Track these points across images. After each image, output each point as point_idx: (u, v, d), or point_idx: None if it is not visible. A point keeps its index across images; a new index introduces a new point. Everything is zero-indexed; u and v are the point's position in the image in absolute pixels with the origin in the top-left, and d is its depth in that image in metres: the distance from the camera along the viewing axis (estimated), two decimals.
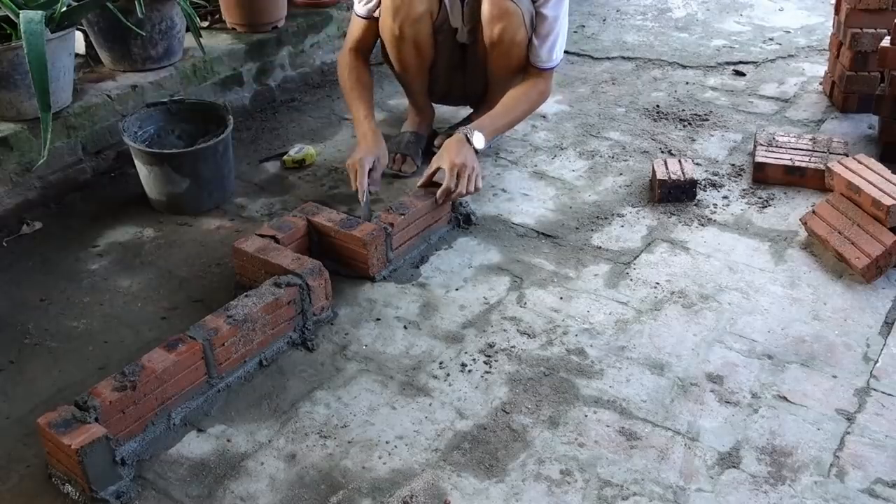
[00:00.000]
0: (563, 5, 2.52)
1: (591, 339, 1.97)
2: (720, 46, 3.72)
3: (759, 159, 2.56)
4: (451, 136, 2.72)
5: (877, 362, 1.88)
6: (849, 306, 2.06)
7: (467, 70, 2.74)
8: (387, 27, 2.57)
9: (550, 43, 2.56)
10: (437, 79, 2.75)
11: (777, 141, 2.69)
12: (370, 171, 2.38)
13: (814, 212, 2.34)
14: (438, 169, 2.34)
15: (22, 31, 2.15)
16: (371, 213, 2.30)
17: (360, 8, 2.62)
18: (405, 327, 2.02)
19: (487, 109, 2.79)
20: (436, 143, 2.76)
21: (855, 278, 2.15)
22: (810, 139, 2.69)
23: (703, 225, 2.40)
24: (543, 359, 1.91)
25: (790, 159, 2.58)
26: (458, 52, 2.71)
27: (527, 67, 2.61)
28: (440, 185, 2.31)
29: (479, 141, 2.42)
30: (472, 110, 2.90)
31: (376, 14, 2.59)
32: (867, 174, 2.28)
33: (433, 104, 2.87)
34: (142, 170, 2.48)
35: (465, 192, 2.31)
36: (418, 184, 2.38)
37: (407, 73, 2.71)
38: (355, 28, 2.66)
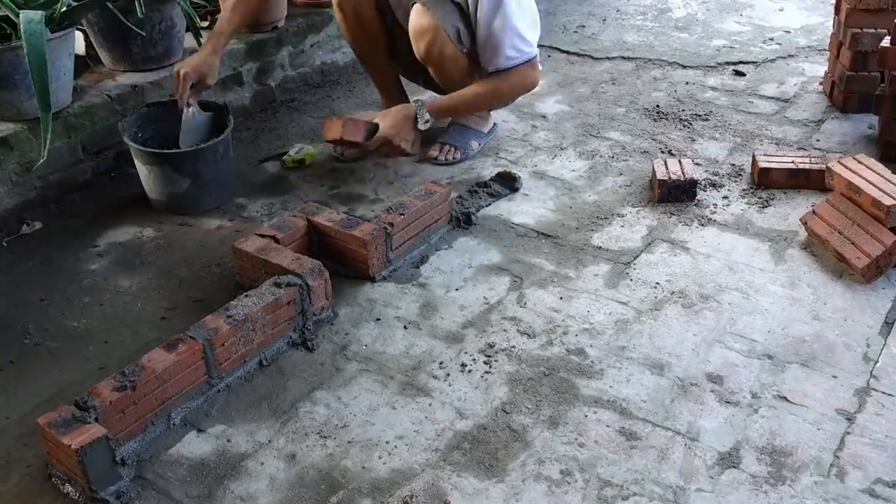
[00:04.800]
0: (503, 8, 2.44)
1: (591, 339, 1.97)
2: (720, 46, 3.72)
3: (762, 165, 2.56)
4: (443, 144, 2.75)
5: (877, 362, 1.88)
6: (849, 306, 2.06)
7: None
8: (334, 4, 2.72)
9: (493, 47, 2.50)
10: (407, 61, 2.76)
11: (775, 150, 2.71)
12: (193, 85, 2.46)
13: (814, 212, 2.34)
14: (376, 127, 2.51)
15: (22, 31, 2.15)
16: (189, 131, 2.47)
17: None
18: (405, 327, 2.02)
19: None
20: (429, 154, 2.77)
21: (855, 278, 2.15)
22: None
23: (703, 225, 2.40)
24: (543, 359, 1.91)
25: (792, 161, 2.58)
26: None
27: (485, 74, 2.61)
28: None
29: (423, 124, 2.55)
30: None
31: None
32: (867, 174, 2.28)
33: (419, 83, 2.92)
34: (142, 170, 2.48)
35: (378, 154, 2.59)
36: (362, 136, 2.50)
37: (363, 56, 2.81)
38: None
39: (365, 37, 2.77)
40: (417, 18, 2.53)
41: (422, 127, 2.54)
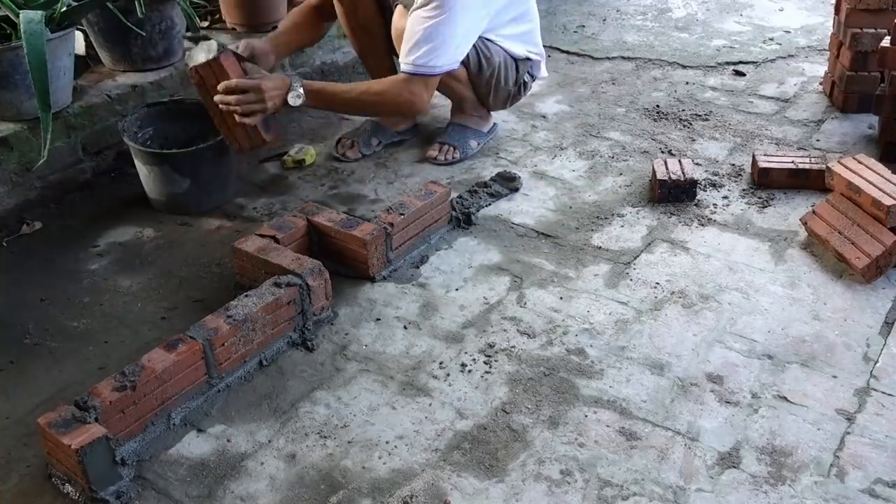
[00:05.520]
0: (438, 15, 2.34)
1: (591, 339, 1.97)
2: (720, 46, 3.72)
3: (762, 165, 2.56)
4: (443, 144, 2.74)
5: (877, 362, 1.88)
6: (849, 306, 2.06)
7: None
8: (335, 3, 2.67)
9: (410, 44, 2.39)
10: None
11: (775, 150, 2.71)
12: (241, 61, 2.37)
13: (814, 212, 2.34)
14: (256, 75, 2.32)
15: (22, 31, 2.15)
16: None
17: None
18: (405, 327, 2.02)
19: (458, 110, 2.80)
20: (429, 154, 2.76)
21: (855, 278, 2.15)
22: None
23: (703, 225, 2.40)
24: (543, 359, 1.91)
25: (792, 161, 2.58)
26: None
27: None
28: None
29: (294, 100, 2.32)
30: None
31: None
32: (867, 174, 2.28)
33: None
34: (142, 170, 2.48)
35: (233, 107, 2.27)
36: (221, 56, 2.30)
37: (362, 51, 2.77)
38: None
39: (363, 31, 2.75)
40: (398, 20, 2.53)
41: (291, 101, 2.32)
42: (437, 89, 2.59)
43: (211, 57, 2.28)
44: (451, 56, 2.45)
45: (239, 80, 2.27)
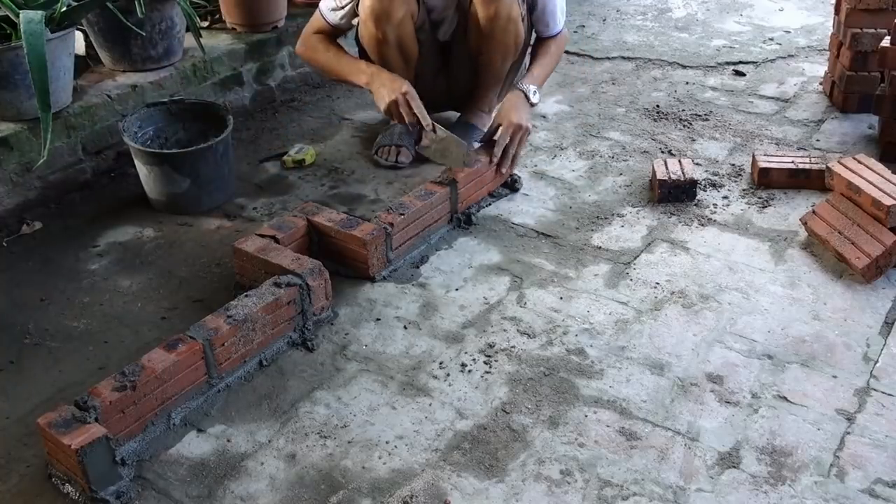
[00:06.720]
0: None
1: (591, 339, 1.97)
2: (720, 46, 3.72)
3: (762, 165, 2.56)
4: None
5: (877, 362, 1.88)
6: (849, 306, 2.06)
7: (450, 71, 2.74)
8: (369, 33, 2.56)
9: (555, 12, 2.67)
10: (419, 81, 2.71)
11: (775, 150, 2.70)
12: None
13: (814, 212, 2.34)
14: (499, 126, 2.49)
15: (22, 31, 2.15)
16: (461, 152, 2.41)
17: (330, 15, 2.63)
18: (405, 327, 2.02)
19: (474, 107, 2.80)
20: (421, 144, 2.73)
21: (855, 278, 2.15)
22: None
23: (703, 225, 2.40)
24: (543, 359, 1.91)
25: (792, 161, 2.58)
26: (439, 53, 2.70)
27: (538, 40, 2.75)
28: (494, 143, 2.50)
29: (535, 96, 2.58)
30: (458, 114, 2.90)
31: (353, 22, 2.63)
32: (867, 174, 2.28)
33: None
34: (142, 170, 2.48)
35: (516, 153, 2.50)
36: (481, 138, 2.46)
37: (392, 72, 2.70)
38: (320, 24, 2.68)
39: (401, 59, 2.63)
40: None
41: (535, 101, 2.59)
42: (493, 59, 2.67)
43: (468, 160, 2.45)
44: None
45: (508, 135, 2.47)
